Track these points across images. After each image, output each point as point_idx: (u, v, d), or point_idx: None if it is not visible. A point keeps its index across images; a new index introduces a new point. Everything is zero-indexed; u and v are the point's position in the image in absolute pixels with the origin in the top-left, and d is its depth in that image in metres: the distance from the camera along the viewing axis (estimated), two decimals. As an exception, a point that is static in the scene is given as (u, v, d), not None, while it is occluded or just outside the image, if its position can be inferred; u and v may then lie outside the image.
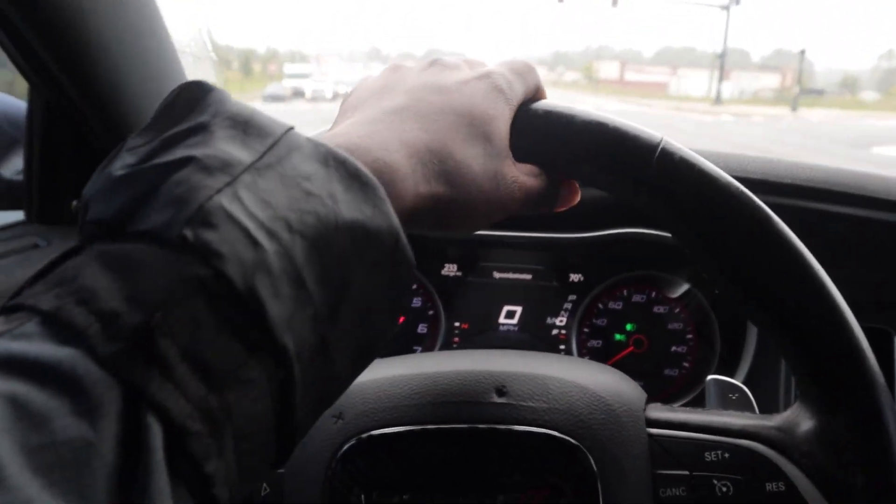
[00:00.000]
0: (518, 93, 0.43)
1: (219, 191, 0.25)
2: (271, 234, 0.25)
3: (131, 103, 0.86)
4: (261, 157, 0.27)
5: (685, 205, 0.42)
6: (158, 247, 0.24)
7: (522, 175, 0.42)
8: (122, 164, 0.27)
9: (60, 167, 0.91)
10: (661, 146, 0.42)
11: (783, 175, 0.77)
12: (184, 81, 0.30)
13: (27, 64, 0.76)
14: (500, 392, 0.47)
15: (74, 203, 0.95)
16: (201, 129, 0.27)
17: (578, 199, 0.47)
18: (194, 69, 0.99)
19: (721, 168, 0.42)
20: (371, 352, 0.31)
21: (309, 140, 0.29)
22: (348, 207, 0.28)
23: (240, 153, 0.26)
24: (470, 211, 0.38)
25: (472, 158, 0.38)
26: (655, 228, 0.81)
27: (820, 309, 0.41)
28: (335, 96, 31.62)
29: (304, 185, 0.27)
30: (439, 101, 0.38)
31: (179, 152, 0.26)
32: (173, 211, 0.24)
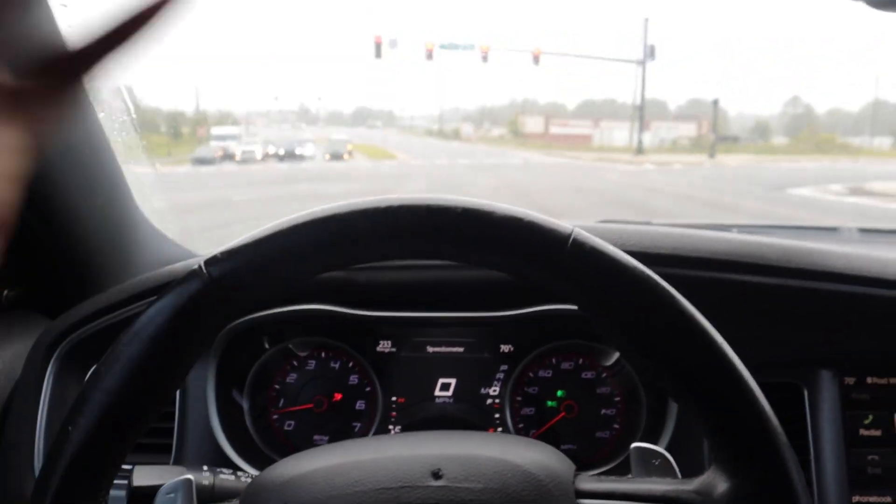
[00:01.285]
0: None
1: None
2: None
3: (61, 196, 0.87)
4: None
5: (596, 289, 0.46)
6: None
7: None
8: None
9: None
10: (572, 237, 0.46)
11: (693, 249, 0.83)
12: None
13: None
14: (436, 475, 0.49)
15: (5, 293, 0.94)
16: None
17: None
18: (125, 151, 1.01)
19: (638, 243, 0.46)
20: None
21: None
22: None
23: None
24: None
25: None
26: None
27: (723, 380, 0.45)
28: (265, 157, 31.42)
29: None
30: None
31: None
32: None
